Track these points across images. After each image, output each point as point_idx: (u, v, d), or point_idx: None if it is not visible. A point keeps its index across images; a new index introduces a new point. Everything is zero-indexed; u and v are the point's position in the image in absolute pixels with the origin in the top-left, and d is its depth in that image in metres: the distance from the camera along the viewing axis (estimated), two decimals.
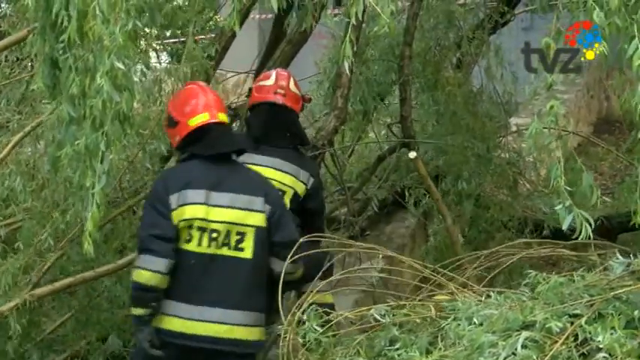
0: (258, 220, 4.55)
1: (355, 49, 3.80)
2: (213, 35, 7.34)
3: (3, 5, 6.89)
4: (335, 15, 8.19)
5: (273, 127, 5.27)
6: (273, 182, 5.01)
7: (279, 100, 5.29)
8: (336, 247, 5.02)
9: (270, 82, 5.34)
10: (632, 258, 3.76)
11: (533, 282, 3.91)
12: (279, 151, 5.27)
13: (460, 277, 4.55)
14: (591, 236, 3.68)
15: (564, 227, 3.77)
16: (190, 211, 4.43)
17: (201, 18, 6.71)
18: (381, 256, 4.83)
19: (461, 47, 7.53)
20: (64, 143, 4.17)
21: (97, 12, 3.77)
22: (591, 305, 3.49)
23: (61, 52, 4.10)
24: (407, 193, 7.38)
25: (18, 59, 7.12)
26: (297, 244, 4.52)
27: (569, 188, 3.77)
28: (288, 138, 5.33)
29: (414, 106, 7.38)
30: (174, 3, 6.35)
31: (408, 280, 5.01)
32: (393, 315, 4.13)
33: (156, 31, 5.92)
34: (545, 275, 3.87)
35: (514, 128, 8.48)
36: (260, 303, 4.56)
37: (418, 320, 4.09)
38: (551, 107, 3.76)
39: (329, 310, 4.40)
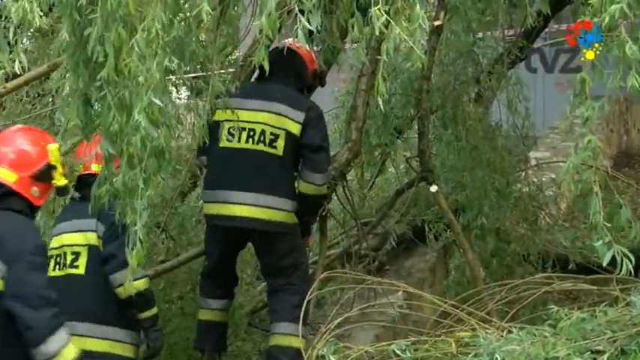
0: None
1: (387, 85, 3.79)
2: (232, 70, 7.38)
3: (24, 41, 6.93)
4: (353, 47, 8.22)
5: (282, 65, 5.55)
6: (265, 126, 5.57)
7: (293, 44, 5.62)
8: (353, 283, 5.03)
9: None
10: None
11: (555, 317, 3.88)
12: (276, 90, 5.65)
13: (480, 313, 4.53)
14: (632, 271, 3.67)
15: (604, 263, 3.75)
16: None
17: (222, 53, 6.73)
18: (400, 291, 4.82)
19: (480, 82, 7.54)
20: (103, 181, 4.18)
21: (136, 48, 3.79)
22: (614, 341, 3.47)
23: (96, 89, 4.11)
24: (427, 228, 7.37)
25: (39, 95, 7.16)
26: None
27: (607, 224, 3.75)
28: (294, 79, 5.74)
29: (433, 141, 7.38)
30: (198, 39, 6.38)
31: (428, 315, 5.00)
32: (414, 350, 4.11)
33: (177, 66, 5.96)
34: (567, 311, 3.85)
35: (533, 162, 8.47)
36: None
37: (439, 355, 4.07)
38: (589, 142, 3.75)
39: (349, 345, 4.42)
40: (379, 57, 3.73)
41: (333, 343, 4.14)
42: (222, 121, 5.46)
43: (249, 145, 5.62)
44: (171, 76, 4.30)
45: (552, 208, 8.09)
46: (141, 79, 3.80)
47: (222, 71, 7.54)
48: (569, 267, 6.96)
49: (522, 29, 7.49)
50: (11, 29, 4.70)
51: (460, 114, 7.32)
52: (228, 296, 5.88)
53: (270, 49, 4.46)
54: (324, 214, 6.24)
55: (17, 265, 4.20)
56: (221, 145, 5.64)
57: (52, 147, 4.51)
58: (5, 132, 4.74)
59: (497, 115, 7.93)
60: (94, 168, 4.88)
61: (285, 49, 5.45)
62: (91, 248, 4.93)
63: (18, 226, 4.34)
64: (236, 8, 6.69)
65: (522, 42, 7.69)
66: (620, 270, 3.66)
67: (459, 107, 7.39)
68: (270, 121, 5.61)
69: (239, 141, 5.63)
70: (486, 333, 4.08)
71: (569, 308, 4.00)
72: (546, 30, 8.24)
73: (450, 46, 7.41)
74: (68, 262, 4.96)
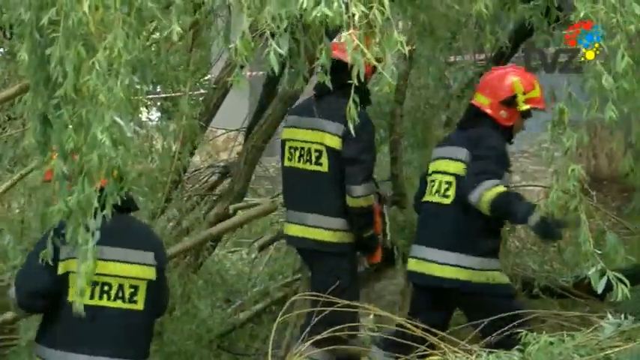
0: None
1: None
2: (205, 92, 7.40)
3: None
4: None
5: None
6: (310, 144, 5.62)
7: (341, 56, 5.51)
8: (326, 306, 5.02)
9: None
10: (623, 317, 3.78)
11: (523, 341, 3.91)
12: (328, 104, 5.55)
13: (450, 336, 4.55)
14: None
15: (599, 290, 3.80)
16: None
17: (194, 76, 6.75)
18: (372, 315, 4.83)
19: (450, 106, 7.58)
20: (54, 200, 4.16)
21: (97, 67, 3.79)
22: None
23: (54, 108, 4.11)
24: (395, 251, 7.38)
25: (9, 118, 7.13)
26: None
27: (598, 251, 3.80)
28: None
29: (403, 164, 7.40)
30: (167, 61, 6.39)
31: None
32: None
33: (147, 88, 5.97)
34: (536, 335, 3.87)
35: None
36: None
37: None
38: (573, 170, 3.80)
39: None
40: (350, 82, 3.75)
41: None
42: (284, 141, 5.72)
43: (301, 165, 5.73)
44: (141, 97, 4.30)
45: (521, 232, 8.12)
46: (101, 97, 3.80)
47: (194, 92, 7.55)
48: (533, 291, 7.01)
49: (492, 54, 7.54)
50: None
51: (430, 138, 7.36)
52: None
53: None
54: None
55: None
56: (285, 164, 5.84)
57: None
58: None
59: None
60: None
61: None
62: None
63: None
64: (208, 30, 6.75)
65: (492, 67, 7.73)
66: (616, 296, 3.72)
67: (429, 131, 7.43)
68: (313, 138, 5.69)
69: (294, 160, 5.75)
70: (456, 357, 4.10)
71: (537, 331, 4.02)
72: (516, 55, 8.26)
73: (420, 70, 7.45)
74: None
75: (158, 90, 8.27)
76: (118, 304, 4.58)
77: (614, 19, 3.66)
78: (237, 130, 9.41)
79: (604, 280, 3.79)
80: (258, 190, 9.85)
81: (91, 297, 4.52)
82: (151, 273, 4.68)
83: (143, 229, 4.96)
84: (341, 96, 5.52)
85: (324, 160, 5.63)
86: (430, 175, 5.64)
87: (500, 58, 7.69)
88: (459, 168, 5.40)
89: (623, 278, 3.79)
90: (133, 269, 4.63)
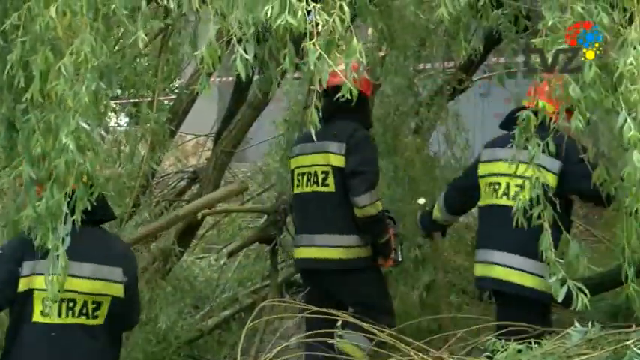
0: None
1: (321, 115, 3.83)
2: (174, 97, 7.39)
3: None
4: (295, 78, 8.25)
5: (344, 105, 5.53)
6: (316, 167, 5.69)
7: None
8: (292, 312, 5.02)
9: (340, 67, 5.63)
10: (590, 325, 3.80)
11: (492, 348, 3.92)
12: (333, 128, 5.62)
13: (418, 342, 4.54)
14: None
15: (559, 299, 3.81)
16: None
17: (163, 81, 6.74)
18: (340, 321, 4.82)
19: (419, 113, 7.60)
20: (24, 206, 4.13)
21: (63, 71, 3.77)
22: None
23: (21, 113, 4.08)
24: None
25: None
26: None
27: (560, 260, 3.81)
28: (354, 115, 5.71)
29: None
30: (136, 66, 6.37)
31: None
32: None
33: (116, 93, 5.96)
34: (504, 342, 3.88)
35: None
36: None
37: None
38: (537, 179, 3.82)
39: None
40: (312, 87, 3.77)
41: None
42: (293, 170, 5.85)
43: (308, 188, 5.79)
44: (105, 102, 4.27)
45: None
46: (69, 102, 3.78)
47: (163, 98, 7.54)
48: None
49: (461, 62, 7.57)
50: None
51: (399, 145, 7.37)
52: None
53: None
54: (275, 248, 6.29)
55: None
56: (294, 191, 5.94)
57: None
58: None
59: (436, 146, 7.99)
60: None
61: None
62: None
63: None
64: (178, 35, 6.73)
65: (461, 75, 7.77)
66: (576, 305, 3.74)
67: (399, 138, 7.44)
68: (319, 161, 5.74)
69: (302, 186, 5.83)
70: None
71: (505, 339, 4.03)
72: (486, 62, 8.31)
73: (389, 77, 7.47)
74: None
75: (119, 94, 8.24)
76: (82, 320, 4.45)
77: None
78: (206, 135, 9.40)
79: (564, 288, 3.81)
80: None
81: (59, 314, 4.39)
82: (117, 290, 4.55)
83: (112, 242, 4.79)
84: (347, 119, 5.72)
85: (331, 180, 5.70)
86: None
87: (470, 66, 7.74)
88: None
89: (583, 287, 3.81)
90: (97, 285, 4.48)
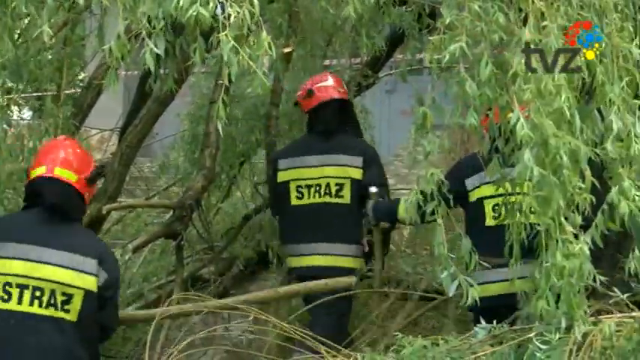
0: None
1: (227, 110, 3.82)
2: (79, 90, 7.27)
3: None
4: (203, 72, 8.21)
5: (342, 119, 6.11)
6: (329, 179, 5.95)
7: (344, 96, 6.15)
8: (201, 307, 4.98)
9: (330, 82, 6.14)
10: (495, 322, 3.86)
11: (399, 344, 3.96)
12: (339, 141, 6.04)
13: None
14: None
15: (450, 294, 3.87)
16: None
17: (67, 74, 6.62)
18: (252, 316, 4.81)
19: None
20: None
21: None
22: None
23: None
24: (270, 252, 7.39)
25: None
26: None
27: (452, 255, 3.86)
28: (352, 127, 6.21)
29: None
30: (39, 58, 6.26)
31: (272, 339, 5.01)
32: None
33: (19, 86, 5.85)
34: (411, 338, 3.93)
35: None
36: None
37: None
38: (432, 174, 3.86)
39: None
40: (221, 81, 3.76)
41: None
42: (289, 182, 6.02)
43: (318, 199, 5.99)
44: (6, 96, 4.20)
45: (395, 235, 8.21)
46: None
47: (70, 90, 7.42)
48: (408, 294, 7.07)
49: (368, 58, 7.61)
50: None
51: None
52: None
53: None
54: (181, 243, 6.24)
55: None
56: (292, 203, 6.07)
57: None
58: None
59: None
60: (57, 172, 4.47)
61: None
62: None
63: None
64: (82, 28, 6.64)
65: (367, 71, 7.81)
66: (466, 300, 3.78)
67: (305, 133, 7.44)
68: (332, 173, 5.98)
69: (306, 197, 6.02)
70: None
71: (412, 333, 4.08)
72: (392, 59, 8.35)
73: (295, 73, 7.48)
74: None
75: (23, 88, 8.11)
76: (50, 311, 4.26)
77: (478, 27, 3.75)
78: (111, 130, 9.28)
79: (455, 283, 3.87)
80: (133, 191, 9.73)
81: (19, 302, 4.22)
82: (90, 283, 4.33)
83: (88, 235, 4.68)
84: (347, 132, 6.11)
85: (346, 191, 5.97)
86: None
87: (376, 63, 7.78)
88: None
89: (474, 282, 3.87)
90: (66, 274, 4.29)
